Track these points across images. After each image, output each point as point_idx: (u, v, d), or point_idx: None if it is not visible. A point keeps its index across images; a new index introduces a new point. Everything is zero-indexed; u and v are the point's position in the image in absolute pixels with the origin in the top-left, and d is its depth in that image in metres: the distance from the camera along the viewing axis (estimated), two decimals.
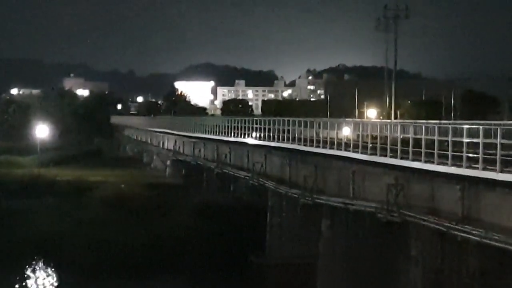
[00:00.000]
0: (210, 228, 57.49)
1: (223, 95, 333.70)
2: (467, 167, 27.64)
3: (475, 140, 27.80)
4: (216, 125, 68.40)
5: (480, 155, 26.85)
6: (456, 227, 28.01)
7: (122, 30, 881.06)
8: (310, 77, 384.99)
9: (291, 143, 47.14)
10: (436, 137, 30.23)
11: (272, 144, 50.94)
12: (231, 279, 50.01)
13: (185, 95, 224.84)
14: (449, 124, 34.30)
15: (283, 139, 48.90)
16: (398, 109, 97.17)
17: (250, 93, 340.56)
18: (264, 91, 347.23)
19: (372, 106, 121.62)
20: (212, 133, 68.90)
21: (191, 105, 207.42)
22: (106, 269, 50.33)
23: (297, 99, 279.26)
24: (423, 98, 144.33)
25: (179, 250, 53.60)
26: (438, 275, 31.07)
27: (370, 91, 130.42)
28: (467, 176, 27.79)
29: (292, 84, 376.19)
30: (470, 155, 27.85)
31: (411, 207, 32.24)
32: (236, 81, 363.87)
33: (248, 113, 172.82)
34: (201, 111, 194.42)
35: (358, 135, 39.20)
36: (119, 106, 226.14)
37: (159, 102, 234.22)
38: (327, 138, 42.00)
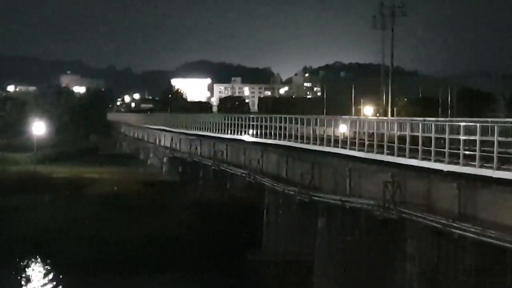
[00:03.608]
0: (207, 226, 57.41)
1: (219, 92, 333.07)
2: (464, 165, 27.63)
3: (472, 138, 27.78)
4: (213, 123, 68.38)
5: (477, 153, 26.84)
6: (453, 224, 28.01)
7: (118, 27, 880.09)
8: (306, 75, 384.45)
9: (288, 141, 47.14)
10: (433, 135, 30.22)
11: (269, 141, 50.94)
12: (227, 276, 49.93)
13: (182, 92, 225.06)
14: (446, 121, 34.23)
15: (280, 137, 48.88)
16: (395, 107, 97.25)
17: (246, 90, 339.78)
18: (260, 88, 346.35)
19: (368, 104, 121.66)
20: (209, 130, 68.85)
21: (189, 102, 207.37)
22: (102, 266, 50.19)
23: (293, 97, 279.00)
24: (420, 96, 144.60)
25: (175, 247, 53.51)
26: (435, 272, 31.07)
27: (367, 89, 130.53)
28: (464, 173, 27.77)
29: (288, 82, 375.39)
30: (467, 152, 27.84)
31: (407, 204, 32.23)
32: (233, 78, 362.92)
33: (244, 111, 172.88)
34: (202, 107, 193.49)
35: (354, 133, 39.17)
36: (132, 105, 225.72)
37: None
38: (323, 135, 41.98)
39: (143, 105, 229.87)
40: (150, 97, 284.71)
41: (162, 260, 51.95)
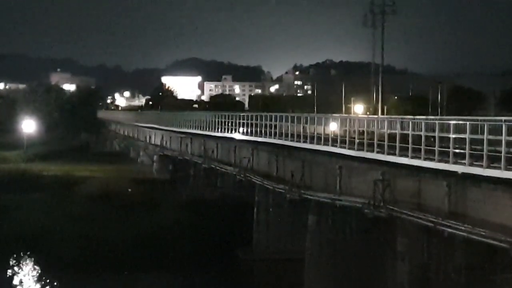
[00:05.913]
0: (197, 224, 57.40)
1: (210, 90, 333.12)
2: (454, 163, 27.67)
3: (462, 136, 27.83)
4: (203, 120, 68.25)
5: (467, 151, 26.89)
6: (443, 222, 28.07)
7: (109, 25, 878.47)
8: (297, 73, 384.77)
9: (278, 139, 47.12)
10: (423, 133, 30.26)
11: (259, 139, 50.90)
12: (218, 274, 49.91)
13: (172, 90, 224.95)
14: (436, 119, 34.26)
15: (270, 135, 48.87)
16: (385, 105, 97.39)
17: (237, 88, 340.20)
18: (251, 86, 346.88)
19: (359, 102, 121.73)
20: (199, 128, 68.75)
21: (178, 99, 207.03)
22: (93, 265, 50.09)
23: (284, 95, 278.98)
24: (410, 94, 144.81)
25: (166, 246, 53.48)
26: (425, 270, 31.15)
27: (357, 87, 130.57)
28: (454, 171, 27.81)
29: (279, 80, 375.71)
30: (457, 150, 27.88)
31: (397, 202, 32.27)
32: (223, 76, 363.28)
33: (235, 108, 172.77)
34: (189, 105, 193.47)
35: (345, 131, 39.19)
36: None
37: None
38: (314, 133, 41.98)
39: (133, 103, 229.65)
40: (141, 95, 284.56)
41: (153, 258, 51.90)
